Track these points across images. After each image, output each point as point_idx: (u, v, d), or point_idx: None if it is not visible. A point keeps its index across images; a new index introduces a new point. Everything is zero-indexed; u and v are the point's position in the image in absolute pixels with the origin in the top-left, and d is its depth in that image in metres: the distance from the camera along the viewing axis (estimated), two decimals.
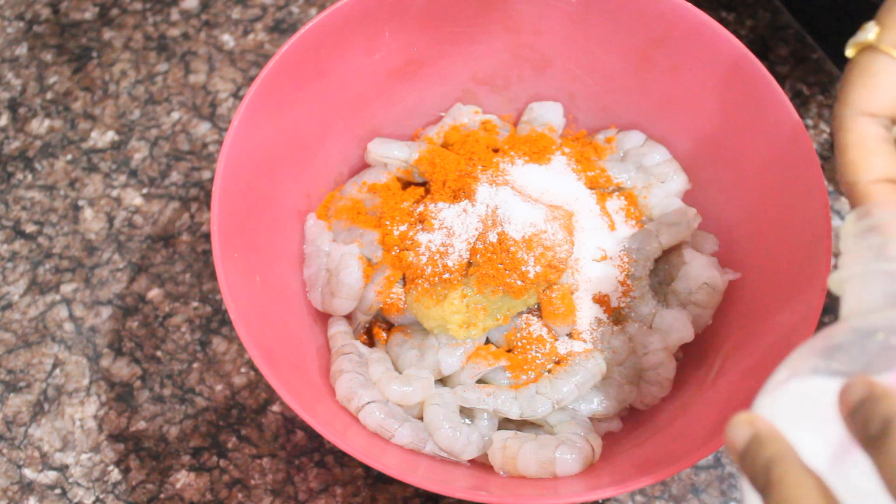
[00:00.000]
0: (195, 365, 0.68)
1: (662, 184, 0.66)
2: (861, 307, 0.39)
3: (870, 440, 0.34)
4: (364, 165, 0.68)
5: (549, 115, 0.68)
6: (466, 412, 0.59)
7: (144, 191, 0.75)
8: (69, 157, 0.76)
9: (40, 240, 0.73)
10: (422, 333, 0.61)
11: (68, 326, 0.70)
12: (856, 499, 0.34)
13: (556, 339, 0.60)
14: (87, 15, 0.83)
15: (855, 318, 0.39)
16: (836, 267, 0.42)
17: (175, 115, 0.78)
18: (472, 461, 0.58)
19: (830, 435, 0.35)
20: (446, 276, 0.59)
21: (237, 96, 0.79)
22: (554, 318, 0.60)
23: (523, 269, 0.58)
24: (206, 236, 0.73)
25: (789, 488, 0.35)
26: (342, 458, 0.65)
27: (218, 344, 0.69)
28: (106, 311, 0.70)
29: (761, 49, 0.80)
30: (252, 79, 0.79)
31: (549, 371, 0.59)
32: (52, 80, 0.80)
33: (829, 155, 0.75)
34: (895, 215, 0.40)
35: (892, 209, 0.40)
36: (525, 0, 0.64)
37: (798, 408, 0.37)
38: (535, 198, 0.62)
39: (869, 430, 0.35)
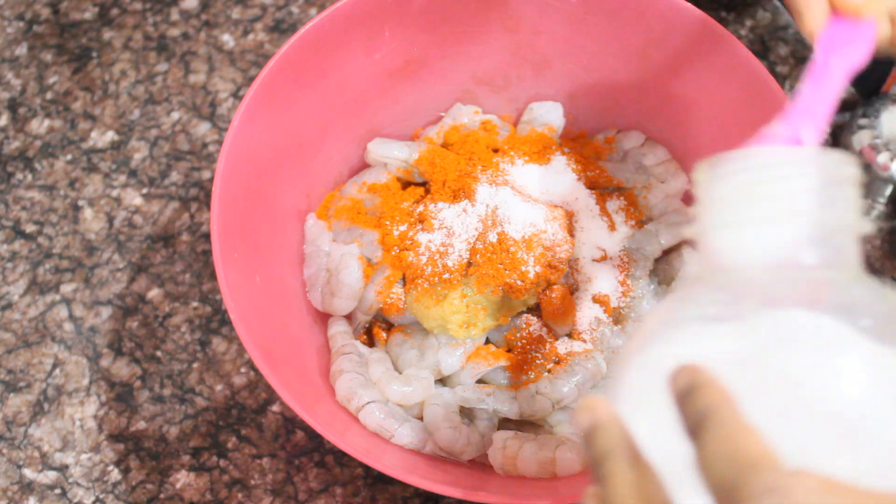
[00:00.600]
0: (195, 365, 0.68)
1: (662, 184, 0.66)
2: (710, 261, 0.37)
3: (691, 430, 0.33)
4: (364, 165, 0.68)
5: (549, 115, 0.68)
6: (466, 412, 0.59)
7: (144, 191, 0.75)
8: (69, 157, 0.76)
9: (40, 240, 0.73)
10: (422, 333, 0.61)
11: (68, 326, 0.70)
12: (688, 487, 0.33)
13: (556, 339, 0.60)
14: (87, 15, 0.83)
15: (704, 273, 0.37)
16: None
17: (175, 115, 0.78)
18: (472, 461, 0.58)
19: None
20: (446, 276, 0.59)
21: (237, 96, 0.79)
22: (554, 318, 0.59)
23: (523, 269, 0.58)
24: (206, 236, 0.72)
25: (613, 487, 0.34)
26: (342, 458, 0.65)
27: (218, 344, 0.69)
28: (106, 311, 0.70)
29: (761, 49, 0.80)
30: (252, 79, 0.79)
31: (549, 371, 0.59)
32: (52, 80, 0.80)
33: None
34: (740, 167, 0.39)
35: (736, 161, 0.39)
36: (525, 0, 0.64)
37: (650, 382, 0.36)
38: (535, 198, 0.62)
39: (689, 421, 0.33)
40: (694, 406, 0.33)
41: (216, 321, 0.69)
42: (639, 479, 0.34)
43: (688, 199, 0.66)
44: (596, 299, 0.61)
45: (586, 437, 0.36)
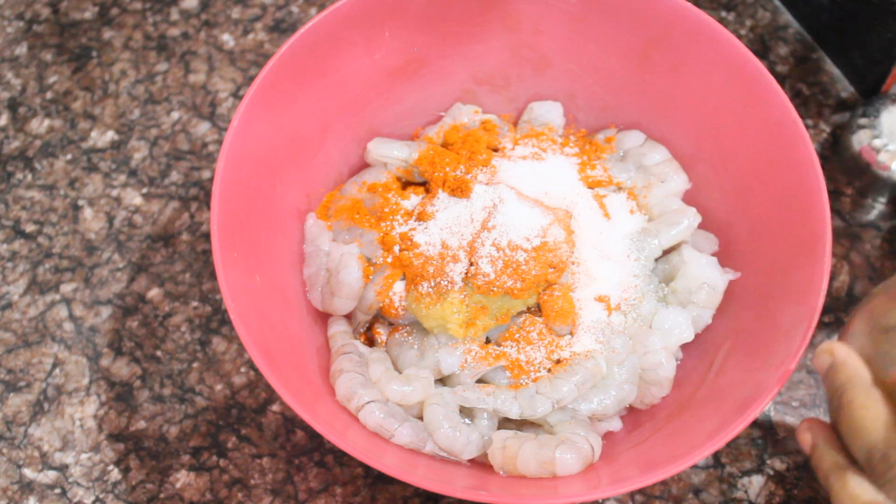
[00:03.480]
0: (195, 365, 0.68)
1: (662, 183, 0.66)
2: None
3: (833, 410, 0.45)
4: (364, 165, 0.68)
5: (549, 114, 0.68)
6: (466, 412, 0.59)
7: (144, 190, 0.75)
8: (69, 156, 0.76)
9: (40, 239, 0.73)
10: (422, 333, 0.61)
11: (68, 326, 0.70)
12: None
13: (557, 339, 0.60)
14: (87, 15, 0.83)
15: None
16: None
17: (175, 115, 0.78)
18: (472, 461, 0.58)
19: None
20: (446, 275, 0.59)
21: (237, 96, 0.79)
22: (554, 318, 0.60)
23: (523, 269, 0.58)
24: (206, 236, 0.73)
25: (854, 409, 0.44)
26: (342, 457, 0.65)
27: (218, 344, 0.69)
28: (106, 311, 0.70)
29: (761, 49, 0.80)
30: (252, 78, 0.79)
31: (549, 371, 0.59)
32: (52, 79, 0.80)
33: (829, 155, 0.75)
34: None
35: None
36: (525, 0, 0.64)
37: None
38: (534, 198, 0.62)
39: (831, 400, 0.45)
40: (831, 382, 0.46)
41: (216, 321, 0.69)
42: (872, 403, 0.43)
43: (688, 198, 0.66)
44: (596, 299, 0.61)
45: (827, 373, 0.46)
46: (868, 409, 0.43)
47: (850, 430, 0.44)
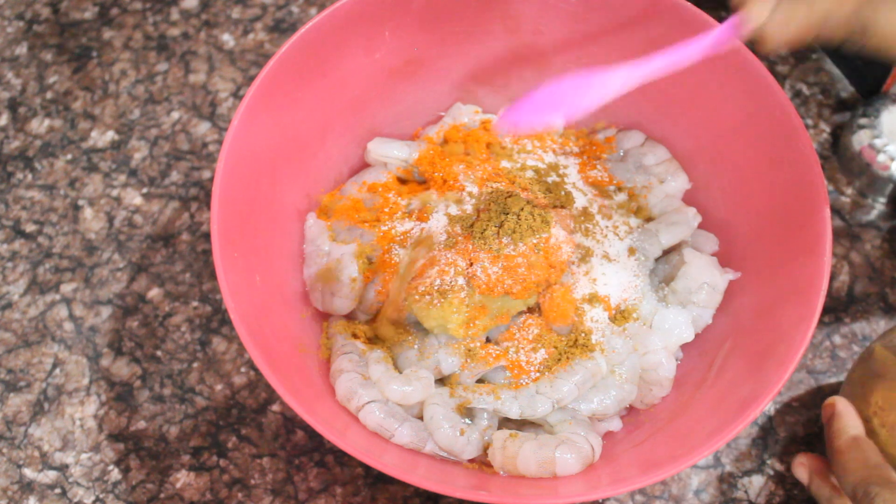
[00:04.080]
0: (195, 365, 0.68)
1: (662, 183, 0.66)
2: None
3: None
4: (364, 165, 0.68)
5: None
6: (466, 412, 0.59)
7: (144, 190, 0.75)
8: (69, 156, 0.76)
9: (40, 239, 0.73)
10: (422, 333, 0.61)
11: (68, 326, 0.70)
12: None
13: (557, 339, 0.60)
14: (87, 15, 0.83)
15: None
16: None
17: (175, 115, 0.78)
18: (472, 461, 0.58)
19: None
20: (446, 276, 0.59)
21: (237, 96, 0.79)
22: (554, 317, 0.59)
23: (522, 269, 0.58)
24: (206, 236, 0.73)
25: (842, 454, 0.54)
26: (342, 457, 0.65)
27: (218, 344, 0.69)
28: (106, 311, 0.70)
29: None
30: (252, 78, 0.79)
31: (549, 371, 0.59)
32: (52, 79, 0.80)
33: (829, 155, 0.75)
34: None
35: None
36: (525, 0, 0.64)
37: None
38: (534, 197, 0.62)
39: (828, 445, 0.56)
40: (829, 430, 0.56)
41: (216, 321, 0.69)
42: (856, 449, 0.53)
43: (688, 198, 0.66)
44: (596, 299, 0.61)
45: (827, 421, 0.56)
46: (852, 453, 0.53)
47: (839, 471, 0.54)
